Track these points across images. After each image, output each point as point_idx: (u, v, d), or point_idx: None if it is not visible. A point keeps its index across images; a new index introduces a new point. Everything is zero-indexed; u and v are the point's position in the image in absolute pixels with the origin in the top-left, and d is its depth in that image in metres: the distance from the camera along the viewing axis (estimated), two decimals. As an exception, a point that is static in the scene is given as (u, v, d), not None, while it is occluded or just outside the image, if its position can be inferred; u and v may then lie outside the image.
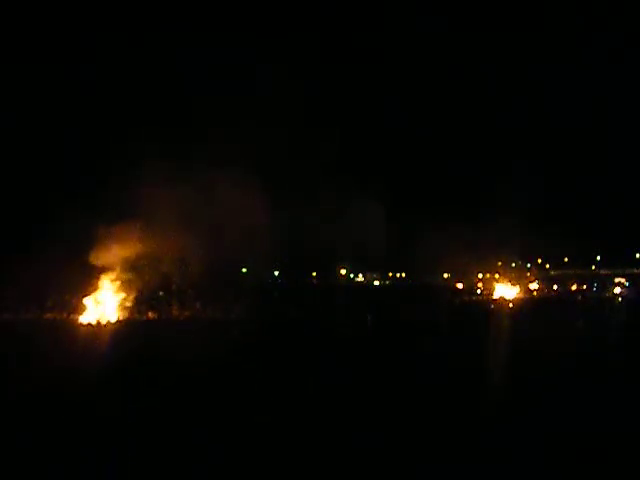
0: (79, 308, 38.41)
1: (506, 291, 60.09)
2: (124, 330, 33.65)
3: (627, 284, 65.68)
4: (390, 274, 72.60)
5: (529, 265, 70.91)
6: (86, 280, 38.36)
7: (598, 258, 70.08)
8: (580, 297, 59.87)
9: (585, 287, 67.95)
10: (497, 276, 62.02)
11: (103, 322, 36.89)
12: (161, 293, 40.95)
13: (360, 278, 72.65)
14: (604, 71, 52.81)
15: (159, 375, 18.03)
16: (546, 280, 69.36)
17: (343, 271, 68.65)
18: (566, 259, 70.14)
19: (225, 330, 29.93)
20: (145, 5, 42.61)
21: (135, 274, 38.68)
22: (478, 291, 62.15)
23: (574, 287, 68.31)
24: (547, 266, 72.25)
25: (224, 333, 28.44)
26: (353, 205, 45.80)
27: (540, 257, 70.70)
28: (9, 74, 39.57)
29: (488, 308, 46.68)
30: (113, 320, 37.59)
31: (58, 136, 40.39)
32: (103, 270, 38.36)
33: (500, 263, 62.35)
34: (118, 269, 38.46)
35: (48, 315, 38.33)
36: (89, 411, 14.21)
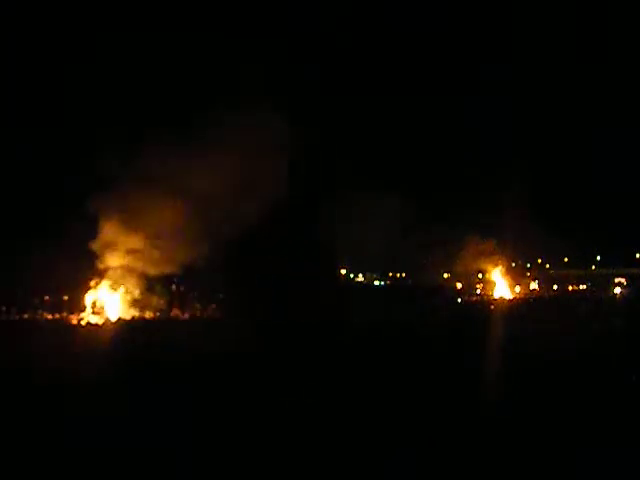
0: (78, 307, 38.45)
1: (506, 291, 60.19)
2: (124, 330, 33.69)
3: (627, 284, 65.63)
4: (390, 274, 72.49)
5: (529, 265, 70.86)
6: (86, 279, 38.41)
7: (598, 258, 70.02)
8: (580, 297, 59.91)
9: (585, 287, 67.95)
10: (497, 276, 61.92)
11: (102, 321, 36.95)
12: (162, 294, 41.06)
13: (360, 278, 72.58)
14: (602, 68, 52.79)
15: (159, 374, 18.07)
16: (546, 280, 69.30)
17: (343, 271, 68.63)
18: (566, 259, 70.06)
19: (225, 330, 29.95)
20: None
21: (135, 273, 38.73)
22: (478, 291, 62.18)
23: (574, 287, 68.30)
24: (547, 266, 72.17)
25: (223, 333, 28.45)
26: (353, 205, 45.84)
27: (540, 257, 70.64)
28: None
29: (488, 308, 46.82)
30: (113, 319, 37.65)
31: (53, 133, 40.38)
32: (103, 269, 38.42)
33: (500, 263, 62.25)
34: (118, 268, 38.50)
35: (47, 315, 38.34)
36: (89, 410, 14.23)
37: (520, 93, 53.36)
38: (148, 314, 39.30)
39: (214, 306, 41.36)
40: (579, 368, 18.58)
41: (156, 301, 39.98)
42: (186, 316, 40.14)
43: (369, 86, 49.39)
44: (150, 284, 39.39)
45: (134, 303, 39.00)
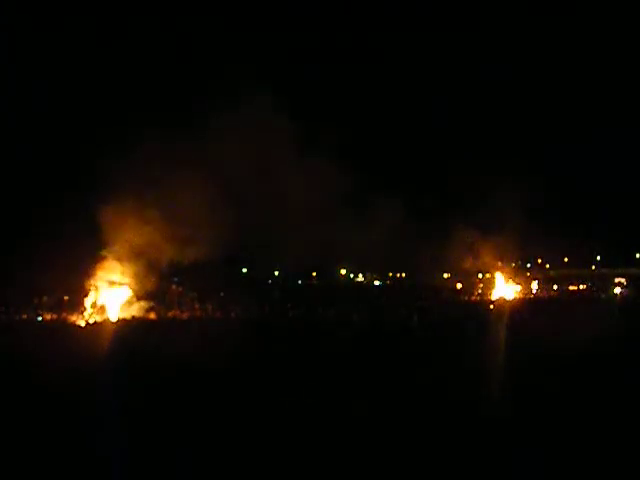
0: (78, 308, 38.46)
1: (506, 291, 60.15)
2: (124, 330, 33.70)
3: (627, 284, 65.59)
4: (390, 274, 72.48)
5: (529, 265, 70.83)
6: (85, 279, 38.42)
7: (598, 258, 69.99)
8: (580, 297, 59.92)
9: (585, 287, 67.95)
10: (497, 276, 61.90)
11: (102, 321, 36.96)
12: (162, 293, 41.08)
13: (360, 278, 72.59)
14: (601, 65, 52.96)
15: (159, 374, 18.08)
16: (546, 280, 69.27)
17: (343, 271, 68.66)
18: (566, 259, 70.06)
19: (225, 329, 29.96)
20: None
21: (135, 273, 38.75)
22: (478, 291, 62.14)
23: (574, 287, 68.31)
24: (547, 266, 72.16)
25: (223, 332, 28.47)
26: (353, 205, 45.84)
27: (540, 257, 70.61)
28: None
29: (487, 308, 46.90)
30: (114, 320, 37.65)
31: (53, 133, 40.47)
32: (102, 269, 38.44)
33: (500, 263, 62.22)
34: (118, 268, 38.53)
35: (47, 315, 38.33)
36: (90, 410, 14.25)
37: (520, 93, 53.47)
38: (148, 314, 39.30)
39: (212, 306, 41.40)
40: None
41: (156, 301, 39.99)
42: (185, 316, 40.16)
43: (370, 86, 49.54)
44: (150, 284, 39.39)
45: (134, 303, 39.03)
